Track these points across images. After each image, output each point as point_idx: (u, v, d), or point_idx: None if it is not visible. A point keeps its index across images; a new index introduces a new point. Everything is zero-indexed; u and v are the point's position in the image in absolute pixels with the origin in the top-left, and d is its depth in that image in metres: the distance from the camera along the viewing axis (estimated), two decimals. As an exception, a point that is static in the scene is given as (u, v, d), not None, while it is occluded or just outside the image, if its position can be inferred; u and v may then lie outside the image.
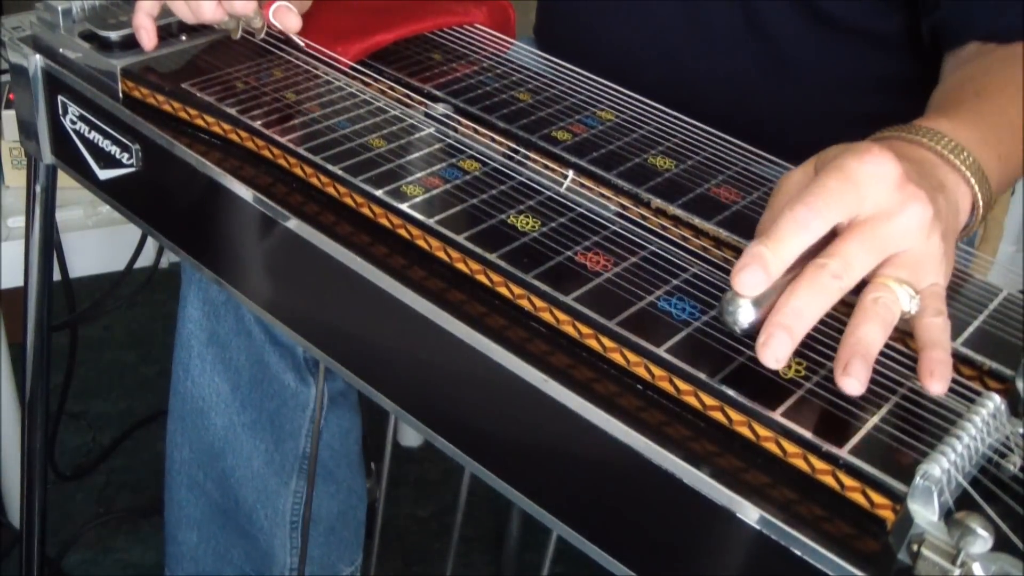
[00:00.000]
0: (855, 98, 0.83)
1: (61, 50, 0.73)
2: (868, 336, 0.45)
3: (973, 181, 0.54)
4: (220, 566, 0.98)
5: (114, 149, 0.70)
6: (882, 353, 0.48)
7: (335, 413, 0.97)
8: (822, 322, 0.49)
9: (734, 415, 0.45)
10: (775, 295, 0.45)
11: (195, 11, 0.69)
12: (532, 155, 0.62)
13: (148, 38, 0.71)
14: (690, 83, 0.82)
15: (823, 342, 0.48)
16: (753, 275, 0.44)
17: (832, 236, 0.47)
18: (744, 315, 0.44)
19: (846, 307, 0.52)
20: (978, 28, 0.69)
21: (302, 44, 0.72)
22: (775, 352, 0.44)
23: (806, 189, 0.46)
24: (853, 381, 0.44)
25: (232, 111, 0.64)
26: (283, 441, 0.93)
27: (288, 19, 0.71)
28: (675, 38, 0.84)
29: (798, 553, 0.40)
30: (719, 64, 0.83)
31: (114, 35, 0.71)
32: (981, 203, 0.55)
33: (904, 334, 0.50)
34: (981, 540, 0.36)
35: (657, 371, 0.47)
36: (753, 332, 0.45)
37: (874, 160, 0.46)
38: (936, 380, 0.45)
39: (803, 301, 0.44)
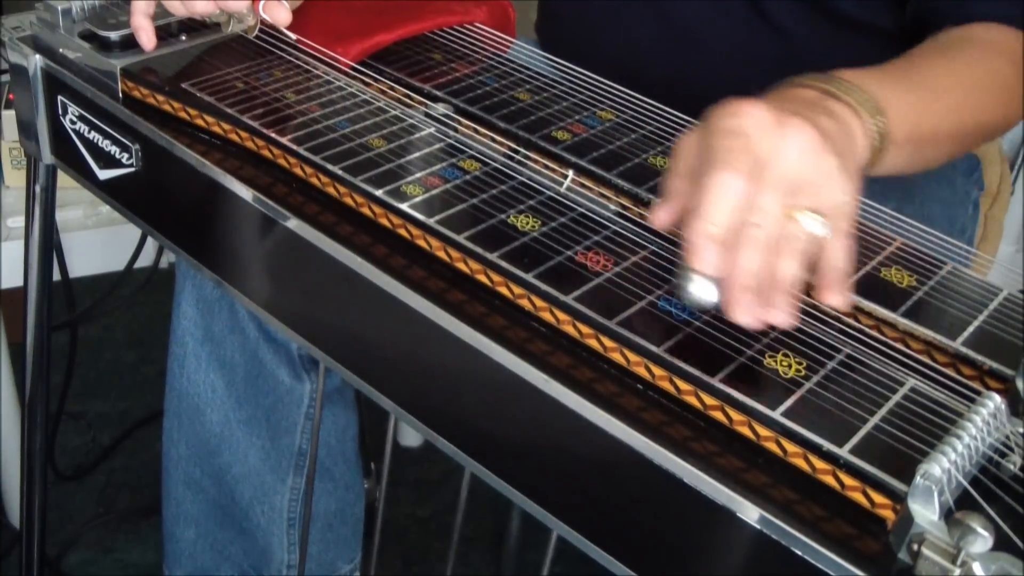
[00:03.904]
0: None
1: (61, 50, 0.73)
2: (781, 271, 0.48)
3: (861, 110, 0.57)
4: (218, 563, 0.98)
5: (114, 149, 0.70)
6: (882, 352, 0.48)
7: (331, 410, 0.97)
8: (823, 323, 0.49)
9: (734, 415, 0.45)
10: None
11: (187, 5, 0.69)
12: (532, 155, 0.62)
13: (147, 38, 0.71)
14: (697, 80, 0.83)
15: (823, 341, 0.48)
16: (711, 252, 0.47)
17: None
18: (709, 293, 0.48)
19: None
20: (952, 15, 0.71)
21: (294, 38, 0.72)
22: (748, 311, 0.47)
23: (708, 159, 0.49)
24: (778, 313, 0.47)
25: (232, 111, 0.64)
26: (279, 437, 0.93)
27: (278, 13, 0.71)
28: (685, 34, 0.84)
29: (799, 553, 0.40)
30: (728, 60, 0.83)
31: (114, 35, 0.71)
32: (876, 131, 0.57)
33: (905, 334, 0.50)
34: (981, 539, 0.36)
35: (657, 371, 0.47)
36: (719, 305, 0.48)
37: (744, 112, 0.50)
38: (833, 294, 0.49)
39: (746, 259, 0.47)
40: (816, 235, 0.49)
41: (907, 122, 0.61)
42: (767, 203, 0.48)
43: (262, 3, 0.71)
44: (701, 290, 0.48)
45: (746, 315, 0.47)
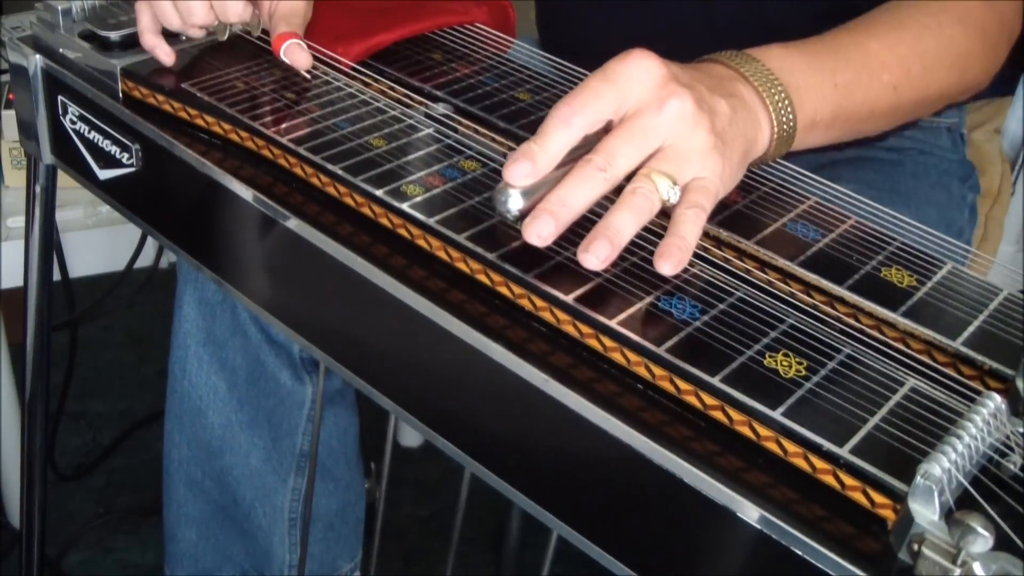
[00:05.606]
0: None
1: (61, 50, 0.73)
2: (618, 222, 0.50)
3: (767, 95, 0.57)
4: (220, 564, 0.98)
5: (114, 149, 0.70)
6: (882, 352, 0.48)
7: (333, 411, 0.97)
8: (823, 323, 0.49)
9: (735, 415, 0.45)
10: (546, 188, 0.51)
11: (184, 14, 0.68)
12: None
13: (165, 55, 0.69)
14: None
15: (823, 341, 0.48)
16: (521, 168, 0.50)
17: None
18: (514, 203, 0.51)
19: (845, 304, 0.52)
20: None
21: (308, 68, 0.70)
22: (537, 230, 0.50)
23: (572, 90, 0.51)
24: (591, 257, 0.49)
25: (232, 111, 0.64)
26: (280, 439, 0.93)
27: (299, 57, 0.68)
28: (684, 34, 0.84)
29: (799, 553, 0.40)
30: None
31: (114, 35, 0.71)
32: (776, 122, 0.58)
33: (905, 334, 0.50)
34: (982, 539, 0.36)
35: (658, 371, 0.47)
36: (524, 219, 0.51)
37: (634, 61, 0.51)
38: (664, 261, 0.50)
39: (568, 190, 0.50)
40: (666, 200, 0.51)
41: (830, 103, 0.61)
42: (620, 150, 0.50)
43: (283, 48, 0.69)
44: (507, 197, 0.50)
45: (536, 232, 0.49)
